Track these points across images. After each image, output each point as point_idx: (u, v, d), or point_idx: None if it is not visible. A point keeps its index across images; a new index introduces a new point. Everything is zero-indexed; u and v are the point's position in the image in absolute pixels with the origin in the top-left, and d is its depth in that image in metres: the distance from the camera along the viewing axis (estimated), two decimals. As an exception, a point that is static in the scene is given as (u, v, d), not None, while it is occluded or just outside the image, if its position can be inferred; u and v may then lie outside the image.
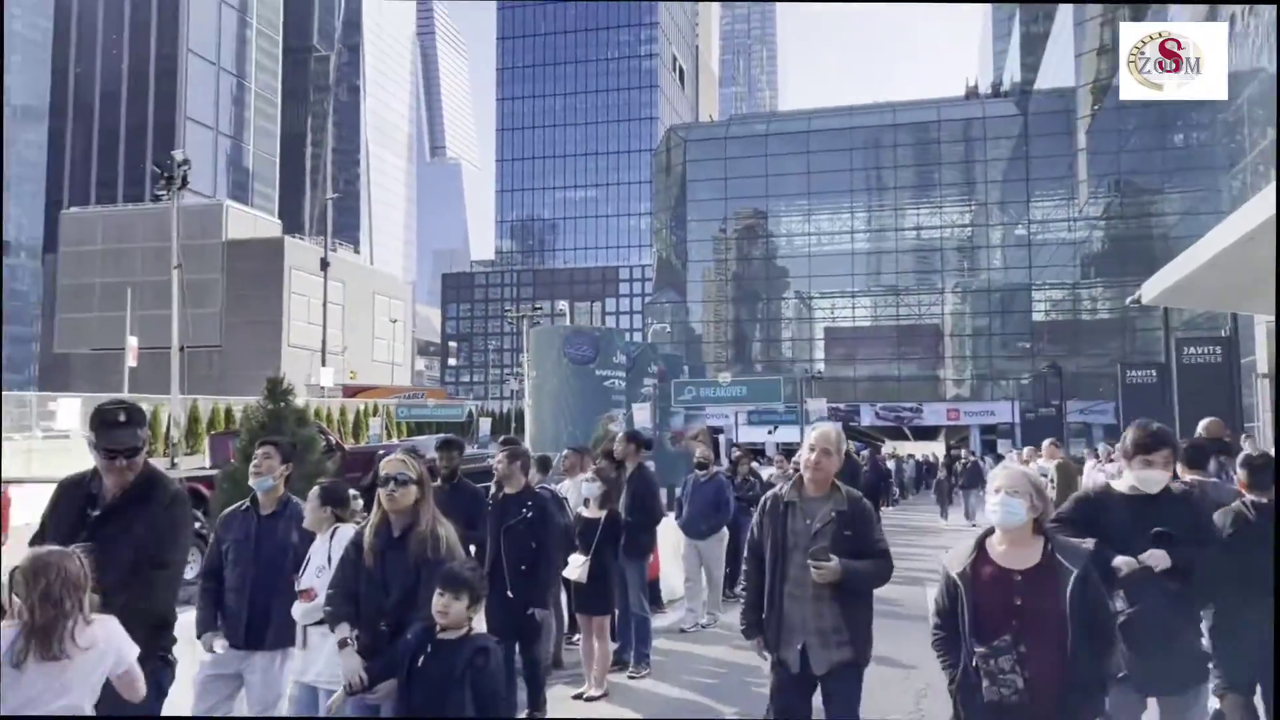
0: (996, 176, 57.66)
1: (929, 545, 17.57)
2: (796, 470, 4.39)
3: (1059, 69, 54.97)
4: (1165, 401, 21.75)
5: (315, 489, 4.38)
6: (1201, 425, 8.33)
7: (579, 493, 7.45)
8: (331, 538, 4.25)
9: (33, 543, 3.31)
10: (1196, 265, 12.83)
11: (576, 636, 7.19)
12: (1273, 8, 22.22)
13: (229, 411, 30.88)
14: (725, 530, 9.47)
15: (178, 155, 16.16)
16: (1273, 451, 6.98)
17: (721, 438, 47.50)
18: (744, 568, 4.35)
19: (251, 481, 4.49)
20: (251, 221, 76.76)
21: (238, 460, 13.27)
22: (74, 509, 3.44)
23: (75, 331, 69.57)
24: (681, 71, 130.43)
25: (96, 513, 3.41)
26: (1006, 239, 58.11)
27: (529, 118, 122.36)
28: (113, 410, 3.44)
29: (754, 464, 14.16)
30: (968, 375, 59.12)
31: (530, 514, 5.74)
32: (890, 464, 29.09)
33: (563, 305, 35.97)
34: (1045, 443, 12.16)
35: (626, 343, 32.59)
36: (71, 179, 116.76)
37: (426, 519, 3.70)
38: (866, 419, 53.35)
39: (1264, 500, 4.20)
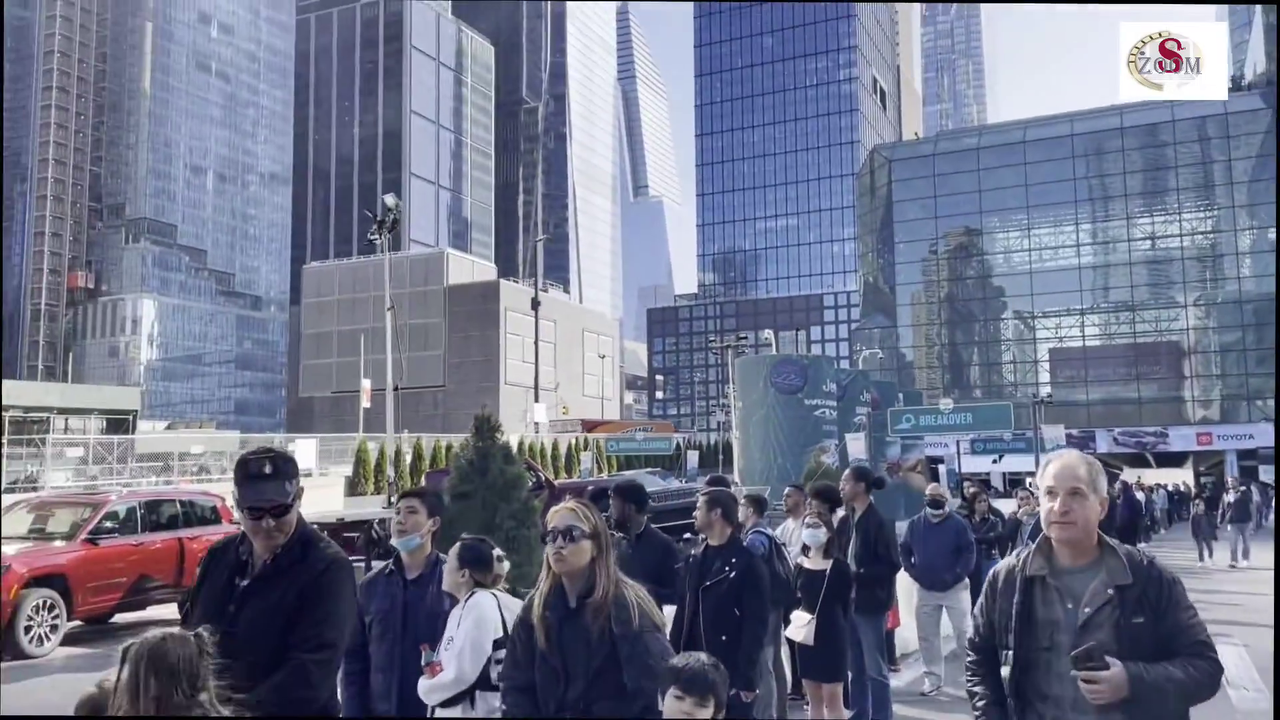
0: (1242, 177, 52.03)
1: (1195, 591, 15.31)
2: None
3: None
4: None
5: (455, 547, 3.68)
6: None
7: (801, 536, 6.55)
8: (465, 605, 3.56)
9: (183, 620, 2.81)
10: None
11: (805, 704, 6.28)
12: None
13: (449, 449, 31.90)
14: (968, 580, 8.29)
15: (388, 199, 16.57)
16: None
17: (941, 468, 44.88)
18: (969, 669, 2.89)
19: (394, 541, 3.80)
20: (470, 267, 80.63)
21: (448, 498, 13.32)
22: (222, 579, 2.92)
23: (317, 377, 75.18)
24: (883, 92, 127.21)
25: (245, 582, 2.87)
26: (1257, 244, 52.18)
27: (728, 151, 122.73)
28: (257, 460, 2.87)
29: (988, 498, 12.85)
30: (1216, 395, 53.31)
31: (733, 572, 4.73)
32: (1139, 495, 26.09)
33: (768, 334, 34.97)
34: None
35: (836, 370, 31.22)
36: (313, 237, 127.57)
37: (605, 581, 2.89)
38: (1103, 445, 48.98)
39: None
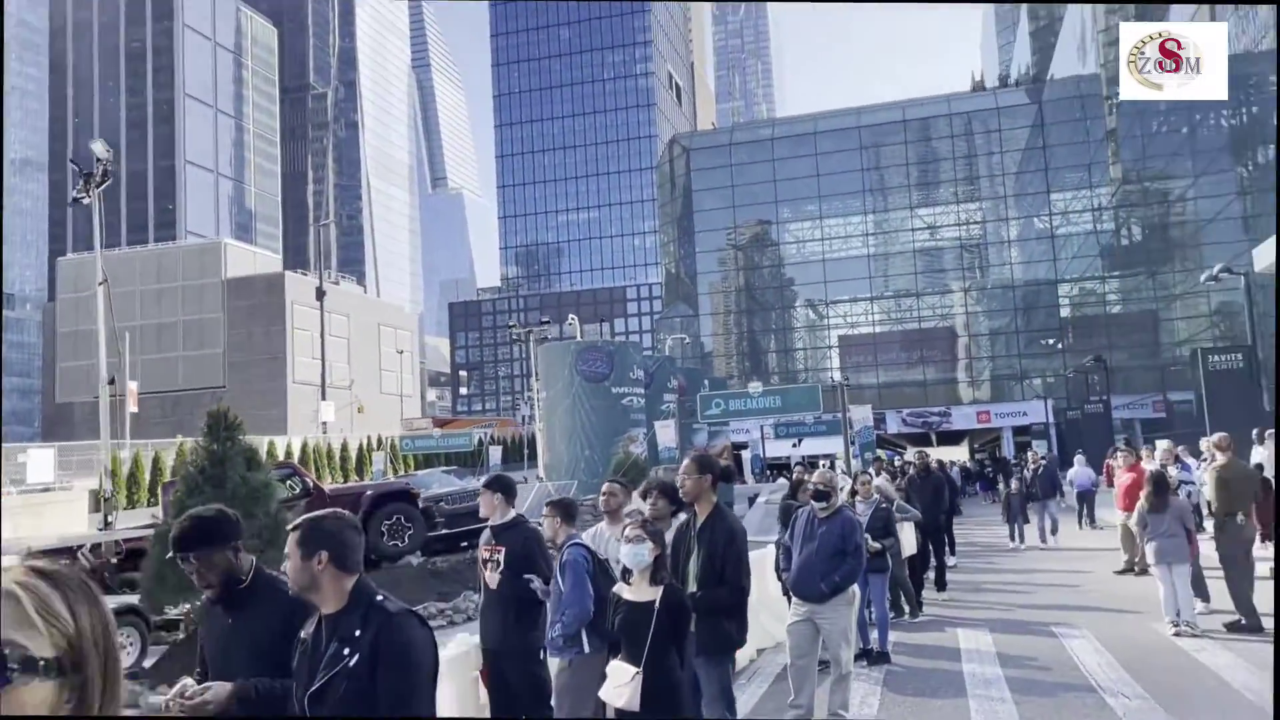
0: (1010, 169, 55.04)
1: (1012, 571, 14.82)
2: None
3: (1073, 56, 52.44)
4: (1254, 385, 19.08)
5: None
6: None
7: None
8: None
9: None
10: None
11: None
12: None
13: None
14: (855, 591, 6.76)
15: (97, 147, 13.53)
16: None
17: (746, 454, 44.69)
18: None
19: None
20: (251, 258, 74.46)
21: (170, 516, 10.67)
22: None
23: (76, 380, 67.17)
24: (678, 88, 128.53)
25: None
26: (1025, 233, 55.36)
27: (528, 142, 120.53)
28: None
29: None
30: (986, 376, 56.22)
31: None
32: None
33: (572, 320, 33.22)
34: (1217, 436, 9.47)
35: (644, 357, 29.94)
36: (74, 230, 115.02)
37: None
38: (893, 426, 50.52)
39: None
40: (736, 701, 7.49)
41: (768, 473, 38.83)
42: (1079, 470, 19.20)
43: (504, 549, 4.90)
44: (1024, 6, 62.82)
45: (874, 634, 8.62)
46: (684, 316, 61.38)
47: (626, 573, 4.36)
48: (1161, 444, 12.66)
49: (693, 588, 4.67)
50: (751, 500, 22.74)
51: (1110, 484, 19.88)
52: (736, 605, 4.81)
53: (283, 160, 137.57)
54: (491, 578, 4.92)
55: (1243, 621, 8.69)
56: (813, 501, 6.89)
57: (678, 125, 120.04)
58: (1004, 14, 76.91)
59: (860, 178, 56.43)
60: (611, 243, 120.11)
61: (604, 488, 6.29)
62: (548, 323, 34.61)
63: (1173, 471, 10.10)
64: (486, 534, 5.07)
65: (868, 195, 57.20)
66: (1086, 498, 19.01)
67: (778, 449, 39.04)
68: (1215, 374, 19.28)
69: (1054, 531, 16.05)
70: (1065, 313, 54.20)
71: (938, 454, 50.71)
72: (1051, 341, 53.99)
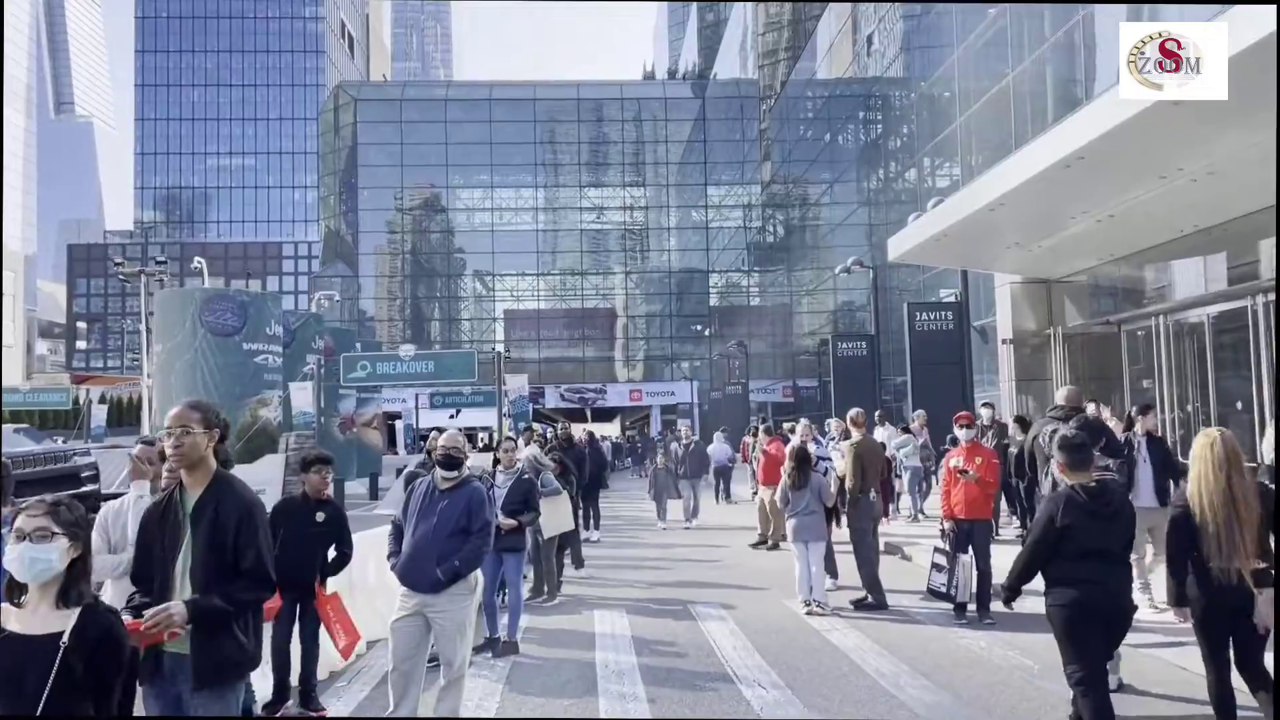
0: (673, 159, 57.19)
1: (658, 552, 14.56)
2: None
3: (735, 58, 55.31)
4: (873, 371, 20.53)
5: None
6: (1061, 395, 7.58)
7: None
8: None
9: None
10: (942, 226, 11.50)
11: None
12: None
13: None
14: (478, 578, 5.55)
15: None
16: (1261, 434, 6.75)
17: (399, 424, 42.55)
18: None
19: None
20: None
21: None
22: None
23: None
24: (351, 40, 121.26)
25: None
26: (684, 222, 57.89)
27: (174, 74, 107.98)
28: None
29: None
30: (640, 357, 58.29)
31: None
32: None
33: (199, 261, 28.97)
34: (854, 411, 9.38)
35: (285, 313, 27.03)
36: None
37: None
38: (551, 401, 50.69)
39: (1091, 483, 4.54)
40: (329, 709, 6.09)
41: (420, 443, 37.09)
42: (718, 447, 19.63)
43: None
44: (693, 5, 65.63)
45: (504, 620, 7.57)
46: (343, 276, 57.58)
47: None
48: (802, 422, 12.86)
49: (185, 592, 3.25)
50: (399, 471, 21.10)
51: (746, 460, 20.56)
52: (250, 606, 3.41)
53: None
54: None
55: (869, 599, 8.65)
56: (437, 469, 5.64)
57: (349, 76, 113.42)
58: (676, 10, 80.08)
59: (533, 151, 55.97)
60: (269, 194, 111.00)
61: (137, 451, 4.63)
62: (164, 262, 30.02)
63: (812, 448, 10.01)
64: None
65: (540, 169, 56.89)
66: (724, 473, 19.52)
67: (433, 419, 37.36)
68: (842, 360, 20.58)
69: (695, 514, 15.85)
70: (714, 301, 57.34)
71: (592, 429, 51.90)
72: (700, 328, 56.90)
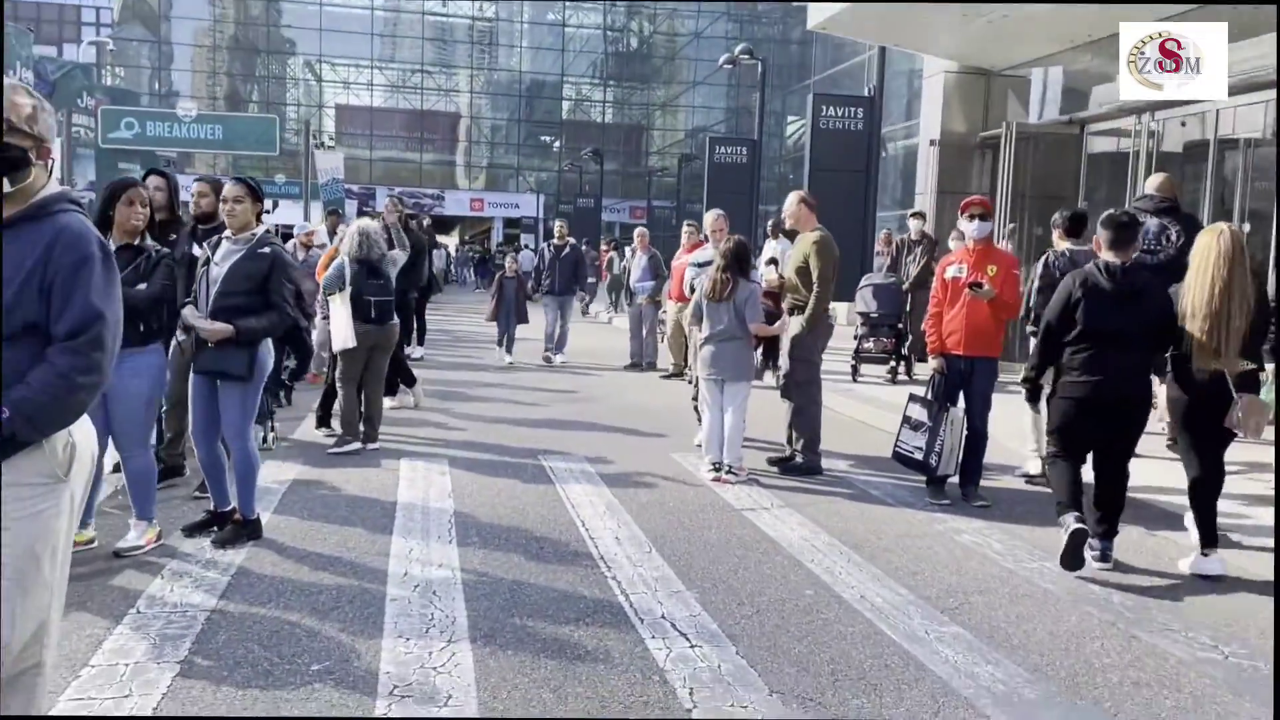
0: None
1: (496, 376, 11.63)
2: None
3: None
4: (752, 180, 17.80)
5: None
6: (1151, 184, 6.11)
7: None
8: None
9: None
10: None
11: None
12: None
13: None
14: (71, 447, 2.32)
15: None
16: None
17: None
18: None
19: None
20: None
21: None
22: None
23: None
24: None
25: None
26: (538, 19, 52.13)
27: None
28: None
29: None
30: (485, 164, 53.35)
31: None
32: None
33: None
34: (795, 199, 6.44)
35: (39, 57, 21.36)
36: None
37: None
38: (382, 205, 45.60)
39: (1119, 261, 4.27)
40: None
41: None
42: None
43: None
44: None
45: (235, 490, 4.48)
46: (144, 41, 49.02)
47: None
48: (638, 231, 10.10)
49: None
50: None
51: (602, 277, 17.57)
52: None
53: None
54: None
55: (796, 459, 6.05)
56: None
57: None
58: None
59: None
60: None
61: None
62: None
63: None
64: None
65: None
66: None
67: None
68: (719, 167, 17.62)
69: (562, 346, 12.32)
70: (565, 114, 52.67)
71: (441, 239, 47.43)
72: (549, 139, 52.43)
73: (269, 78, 50.49)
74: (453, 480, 5.67)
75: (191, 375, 4.47)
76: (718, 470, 5.82)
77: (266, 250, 4.46)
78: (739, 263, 5.90)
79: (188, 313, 4.44)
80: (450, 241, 55.12)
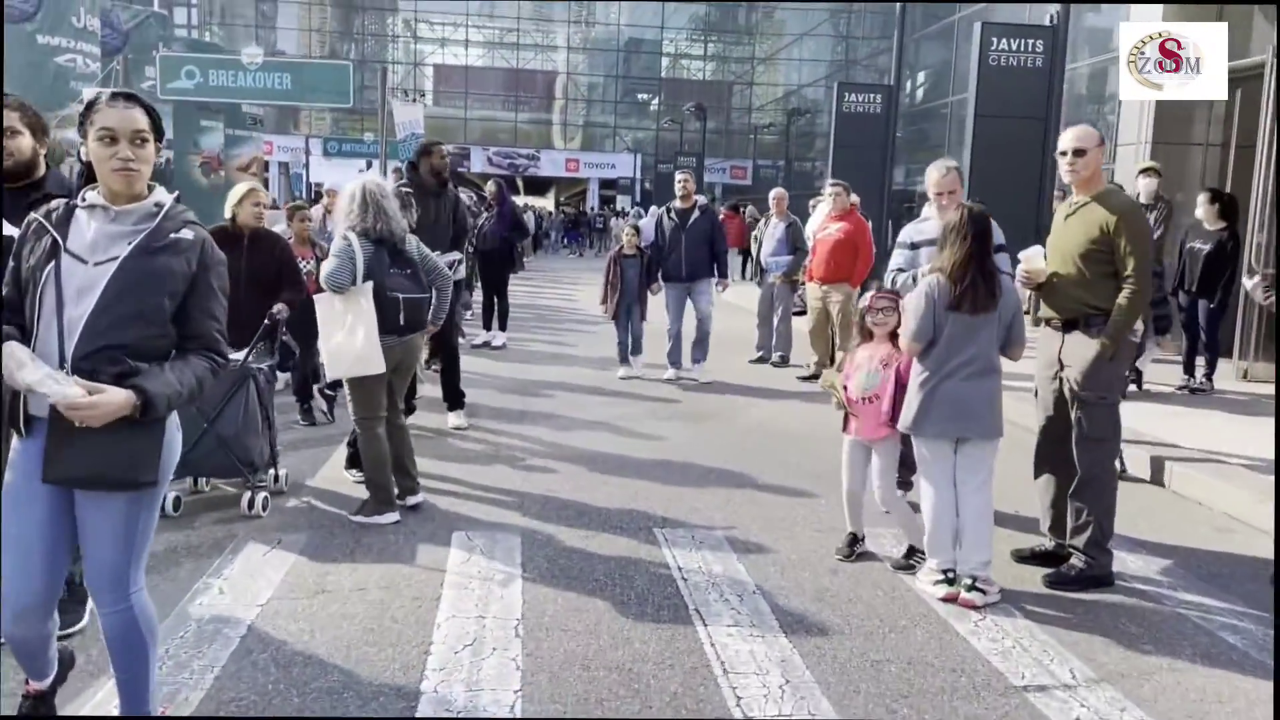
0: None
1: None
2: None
3: None
4: (886, 132, 15.26)
5: None
6: None
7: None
8: None
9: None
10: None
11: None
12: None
13: None
14: None
15: None
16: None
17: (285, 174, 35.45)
18: None
19: None
20: None
21: None
22: None
23: None
24: None
25: None
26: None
27: None
28: None
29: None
30: (580, 123, 51.12)
31: None
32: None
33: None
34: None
35: (114, 6, 19.99)
36: None
37: None
38: (478, 165, 44.01)
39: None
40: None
41: (316, 202, 30.69)
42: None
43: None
44: None
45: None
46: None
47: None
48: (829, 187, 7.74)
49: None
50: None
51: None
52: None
53: None
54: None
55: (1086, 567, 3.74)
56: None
57: None
58: None
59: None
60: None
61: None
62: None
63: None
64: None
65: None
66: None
67: (329, 172, 30.59)
68: (848, 118, 15.04)
69: (701, 358, 9.34)
70: (664, 71, 49.98)
71: (530, 201, 45.76)
72: (647, 96, 49.94)
73: (365, 35, 49.16)
74: (524, 595, 3.54)
75: (20, 482, 2.24)
76: (950, 583, 3.55)
77: (188, 236, 2.32)
78: (984, 238, 3.60)
79: (15, 360, 2.09)
80: (545, 204, 53.34)
